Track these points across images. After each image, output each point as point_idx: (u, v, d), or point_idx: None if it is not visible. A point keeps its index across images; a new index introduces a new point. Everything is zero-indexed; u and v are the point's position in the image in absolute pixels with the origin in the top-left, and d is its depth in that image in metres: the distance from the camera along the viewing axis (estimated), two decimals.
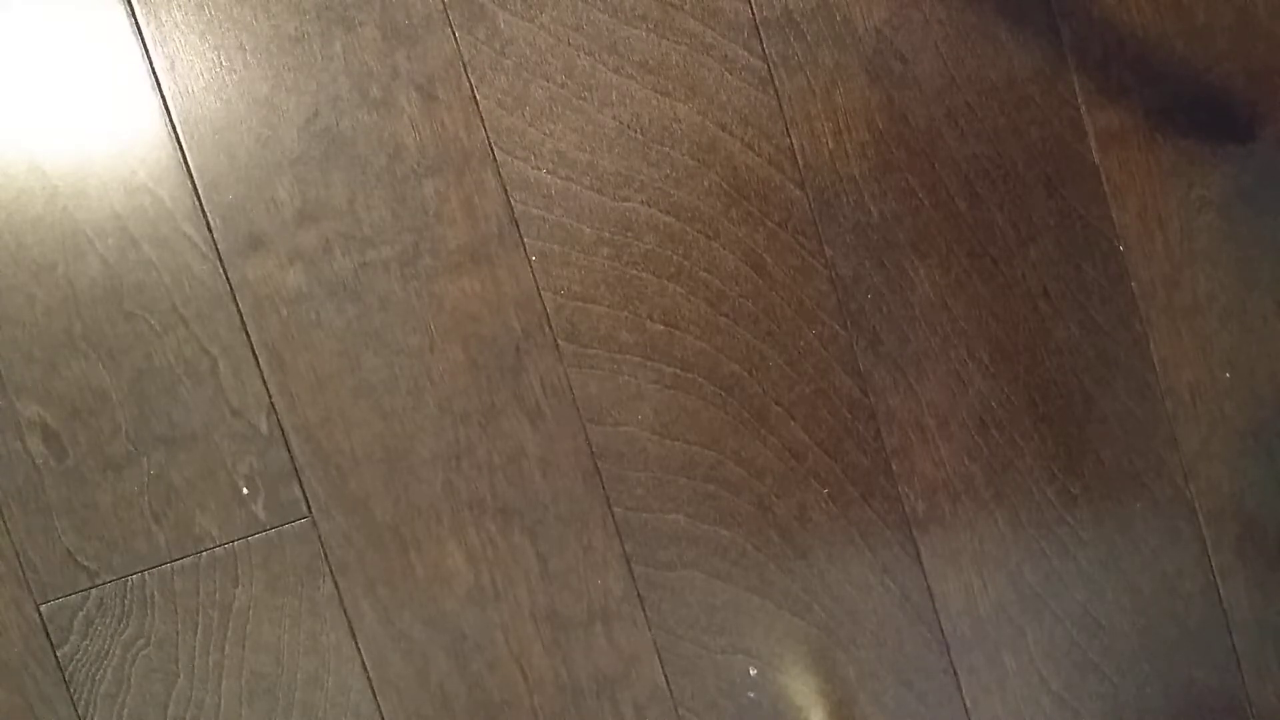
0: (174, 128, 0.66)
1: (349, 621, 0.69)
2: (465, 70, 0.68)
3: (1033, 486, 0.74)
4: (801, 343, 0.72)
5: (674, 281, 0.71)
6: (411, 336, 0.68)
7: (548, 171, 0.69)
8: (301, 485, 0.68)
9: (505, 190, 0.69)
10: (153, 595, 0.67)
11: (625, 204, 0.70)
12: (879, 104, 0.72)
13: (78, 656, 0.67)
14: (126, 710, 0.67)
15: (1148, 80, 0.74)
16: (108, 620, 0.67)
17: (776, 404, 0.72)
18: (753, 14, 0.70)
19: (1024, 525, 0.74)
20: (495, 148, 0.69)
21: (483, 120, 0.68)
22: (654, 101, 0.70)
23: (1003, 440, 0.74)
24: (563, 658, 0.71)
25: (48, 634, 0.67)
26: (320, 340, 0.68)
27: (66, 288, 0.66)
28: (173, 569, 0.67)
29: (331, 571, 0.68)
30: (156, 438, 0.67)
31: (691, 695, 0.72)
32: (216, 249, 0.67)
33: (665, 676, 0.72)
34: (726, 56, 0.70)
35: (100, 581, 0.67)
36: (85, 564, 0.67)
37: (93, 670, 0.67)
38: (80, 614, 0.67)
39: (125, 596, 0.67)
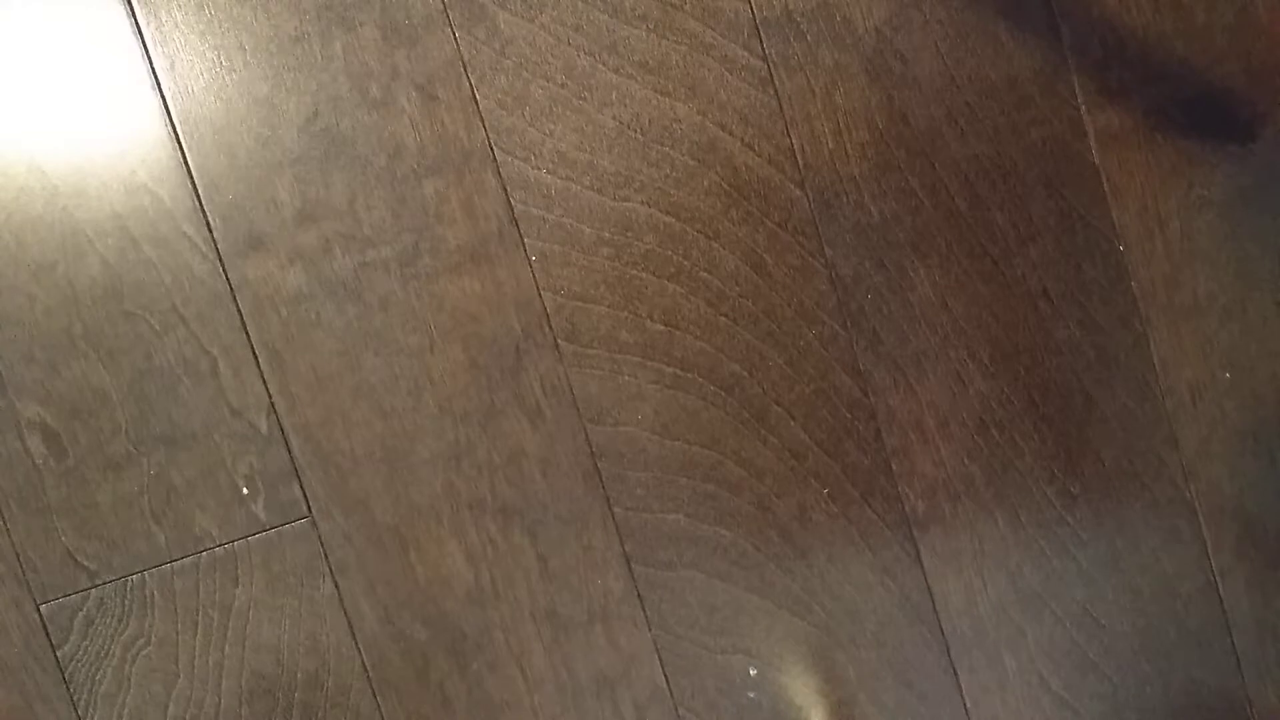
0: (174, 128, 0.66)
1: (349, 621, 0.69)
2: (465, 70, 0.68)
3: (1033, 486, 0.74)
4: (801, 343, 0.72)
5: (674, 281, 0.71)
6: (411, 336, 0.68)
7: (548, 171, 0.69)
8: (301, 485, 0.68)
9: (505, 190, 0.69)
10: (153, 595, 0.67)
11: (625, 204, 0.70)
12: (879, 104, 0.72)
13: (78, 656, 0.67)
14: (126, 710, 0.67)
15: (1148, 80, 0.74)
16: (108, 620, 0.67)
17: (776, 404, 0.72)
18: (753, 14, 0.70)
19: (1024, 525, 0.74)
20: (495, 148, 0.69)
21: (483, 120, 0.68)
22: (654, 101, 0.70)
23: (1003, 440, 0.74)
24: (563, 658, 0.71)
25: (48, 634, 0.67)
26: (320, 340, 0.68)
27: (66, 288, 0.66)
28: (173, 569, 0.67)
29: (331, 571, 0.68)
30: (156, 438, 0.67)
31: (691, 695, 0.72)
32: (216, 249, 0.67)
33: (665, 676, 0.72)
34: (726, 56, 0.70)
35: (100, 581, 0.67)
36: (85, 564, 0.67)
37: (93, 670, 0.67)
38: (80, 614, 0.67)
39: (125, 596, 0.67)
